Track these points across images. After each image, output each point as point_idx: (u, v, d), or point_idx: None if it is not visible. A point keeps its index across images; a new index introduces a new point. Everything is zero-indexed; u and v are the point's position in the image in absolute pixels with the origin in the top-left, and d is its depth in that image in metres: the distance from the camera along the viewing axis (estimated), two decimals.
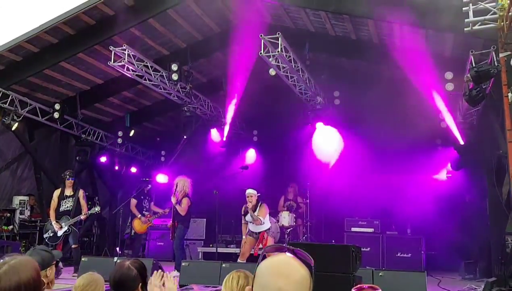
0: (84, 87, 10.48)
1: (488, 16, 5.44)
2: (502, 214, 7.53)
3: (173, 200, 8.44)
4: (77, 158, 11.34)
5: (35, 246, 5.92)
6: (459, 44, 7.57)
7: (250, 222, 7.82)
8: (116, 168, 12.22)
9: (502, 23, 5.38)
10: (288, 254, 1.29)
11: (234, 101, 10.17)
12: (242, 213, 7.93)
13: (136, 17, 8.18)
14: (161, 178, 11.83)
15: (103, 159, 11.83)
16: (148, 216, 10.21)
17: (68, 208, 8.45)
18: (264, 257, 1.31)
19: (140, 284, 2.86)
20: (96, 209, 8.48)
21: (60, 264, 7.49)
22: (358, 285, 2.53)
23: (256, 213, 7.66)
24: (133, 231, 10.49)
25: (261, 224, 7.64)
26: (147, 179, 10.89)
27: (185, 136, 11.10)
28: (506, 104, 5.51)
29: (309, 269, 1.27)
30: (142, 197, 10.39)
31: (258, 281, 1.26)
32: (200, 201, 10.58)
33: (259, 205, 7.78)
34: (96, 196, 11.93)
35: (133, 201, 10.22)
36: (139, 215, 10.11)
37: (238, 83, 10.43)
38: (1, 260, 1.90)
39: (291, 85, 8.97)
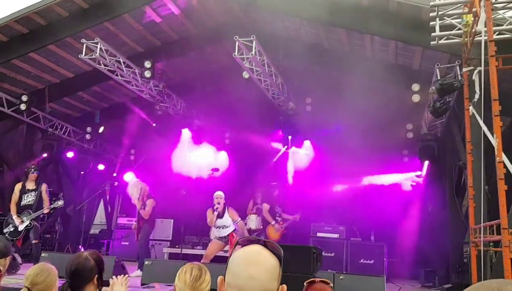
0: (54, 80, 10.28)
1: (453, 32, 5.64)
2: (461, 224, 7.77)
3: (138, 204, 8.28)
4: (42, 156, 11.07)
5: None
6: (427, 58, 7.82)
7: (217, 228, 7.73)
8: (83, 164, 11.97)
9: (466, 39, 5.58)
10: (259, 245, 1.34)
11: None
12: (212, 215, 7.72)
13: (110, 11, 8.11)
14: (130, 177, 11.68)
15: (70, 154, 11.57)
16: (281, 222, 9.56)
17: (29, 202, 8.23)
18: (236, 249, 1.36)
19: (96, 276, 2.84)
20: (60, 202, 8.27)
21: (19, 259, 7.27)
22: (311, 279, 2.58)
23: (227, 217, 7.62)
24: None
25: (235, 221, 7.67)
26: (275, 183, 9.92)
27: (154, 124, 10.90)
28: (467, 117, 5.71)
29: (279, 259, 1.33)
30: (274, 202, 9.71)
31: (231, 270, 1.31)
32: (168, 201, 10.52)
33: (227, 208, 7.74)
34: (61, 192, 11.67)
35: (266, 206, 9.54)
36: (273, 222, 9.47)
37: (211, 86, 10.48)
38: None
39: (264, 89, 9.04)
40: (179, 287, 2.77)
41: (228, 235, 7.65)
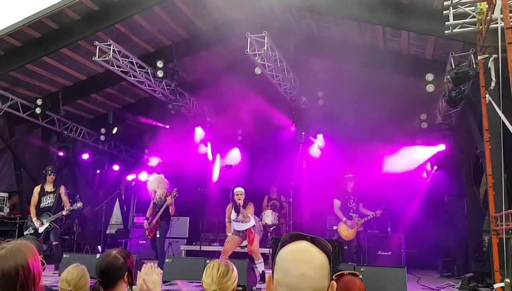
0: (67, 83, 10.38)
1: (467, 20, 5.58)
2: (479, 213, 7.74)
3: (170, 200, 8.41)
4: (59, 155, 11.22)
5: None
6: (440, 47, 7.76)
7: (236, 221, 7.76)
8: (98, 165, 12.09)
9: (481, 27, 5.52)
10: (306, 241, 1.31)
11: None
12: (232, 210, 7.81)
13: (121, 13, 8.15)
14: (145, 176, 11.77)
15: (85, 156, 11.72)
16: (356, 218, 8.80)
17: (49, 204, 8.36)
18: (283, 245, 1.32)
19: (126, 273, 2.89)
20: (79, 204, 8.40)
21: None
22: (339, 272, 2.61)
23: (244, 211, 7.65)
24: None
25: (249, 222, 7.64)
26: (350, 175, 9.08)
27: (167, 126, 10.95)
28: (483, 105, 5.66)
29: (327, 255, 1.30)
30: (346, 197, 8.92)
31: (280, 267, 1.28)
32: (184, 199, 10.58)
33: (246, 203, 7.77)
34: (78, 194, 11.80)
35: (336, 202, 8.86)
36: (344, 218, 8.71)
37: (223, 83, 10.51)
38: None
39: (276, 85, 9.04)
40: (206, 283, 2.82)
41: (246, 230, 7.68)
